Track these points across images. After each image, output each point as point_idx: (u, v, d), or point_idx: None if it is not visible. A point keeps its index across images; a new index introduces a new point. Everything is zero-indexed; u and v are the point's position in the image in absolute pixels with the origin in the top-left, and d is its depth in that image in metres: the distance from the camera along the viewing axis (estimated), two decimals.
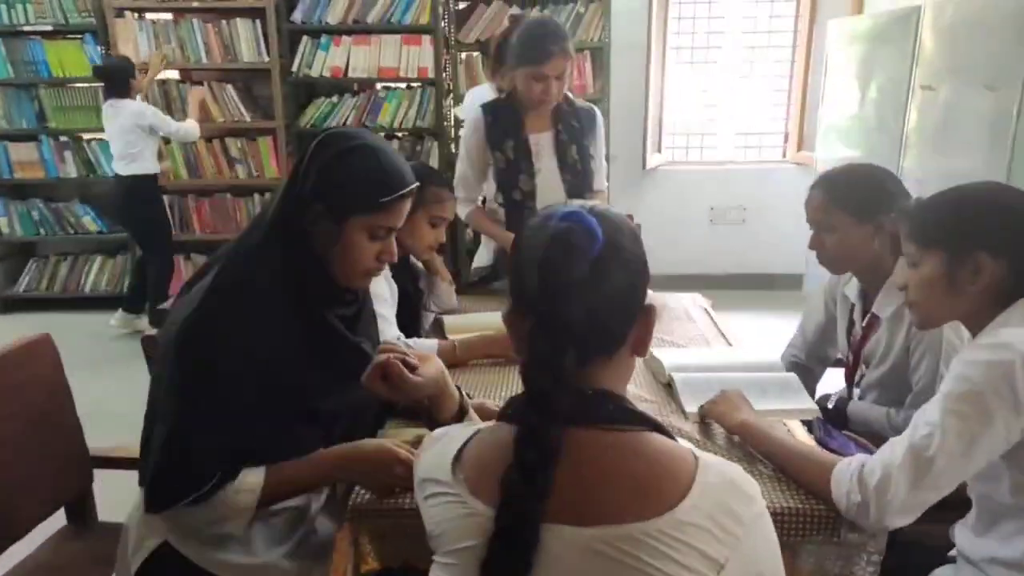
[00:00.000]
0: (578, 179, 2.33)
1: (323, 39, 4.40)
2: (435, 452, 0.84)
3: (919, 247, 1.23)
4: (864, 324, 1.74)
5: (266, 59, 4.43)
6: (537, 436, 0.72)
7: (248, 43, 4.44)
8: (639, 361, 1.05)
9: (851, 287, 1.79)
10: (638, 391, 1.57)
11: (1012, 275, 1.16)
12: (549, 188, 2.30)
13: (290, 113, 4.54)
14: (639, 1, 4.61)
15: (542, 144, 2.32)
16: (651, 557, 0.69)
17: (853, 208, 1.62)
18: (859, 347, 1.75)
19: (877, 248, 1.63)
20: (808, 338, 1.97)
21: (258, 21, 4.40)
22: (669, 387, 1.60)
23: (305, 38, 4.42)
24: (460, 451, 0.81)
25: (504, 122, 2.30)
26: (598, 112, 2.46)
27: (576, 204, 0.82)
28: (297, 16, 4.40)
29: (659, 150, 5.06)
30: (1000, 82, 2.83)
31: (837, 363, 1.95)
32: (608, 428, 0.76)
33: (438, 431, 0.91)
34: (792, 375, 1.67)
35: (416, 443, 1.19)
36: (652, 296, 0.84)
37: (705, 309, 2.24)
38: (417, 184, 1.29)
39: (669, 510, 0.71)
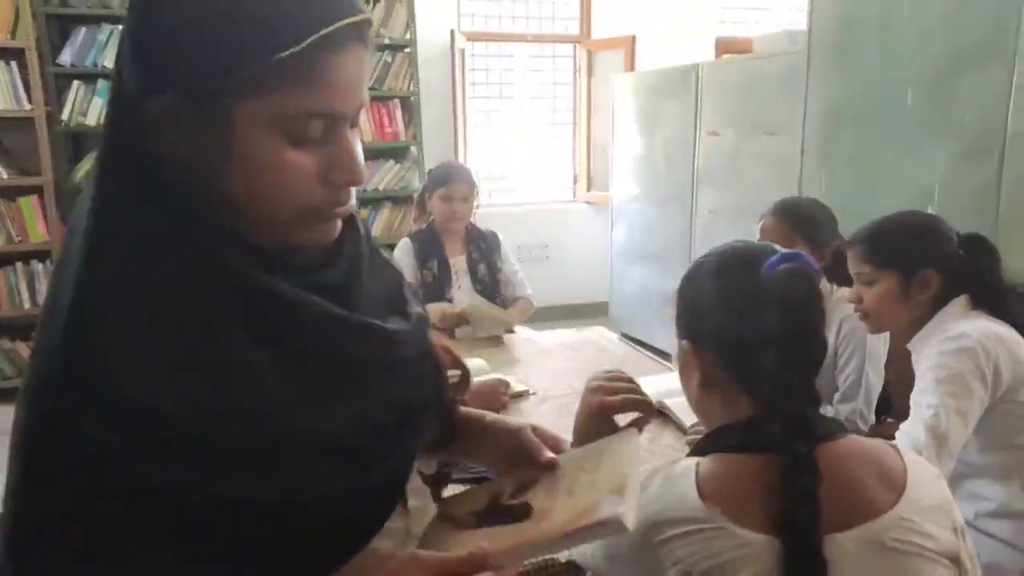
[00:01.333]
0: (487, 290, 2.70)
1: (100, 84, 3.94)
2: (657, 494, 0.83)
3: (874, 268, 1.47)
4: None
5: (27, 107, 3.85)
6: (807, 461, 0.77)
7: (3, 89, 3.83)
8: None
9: None
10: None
11: (946, 283, 1.44)
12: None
13: (60, 167, 3.98)
14: (442, 51, 4.76)
15: (459, 264, 2.73)
16: (912, 536, 0.78)
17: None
18: None
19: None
20: None
21: (14, 63, 3.82)
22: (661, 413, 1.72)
23: (77, 83, 3.93)
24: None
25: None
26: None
27: (777, 247, 0.88)
28: (66, 58, 3.89)
29: None
30: (779, 128, 3.39)
31: None
32: (834, 438, 0.84)
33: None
34: None
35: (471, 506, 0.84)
36: None
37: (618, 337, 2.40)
38: (364, 16, 0.66)
39: (903, 491, 0.80)
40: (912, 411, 1.37)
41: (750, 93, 3.61)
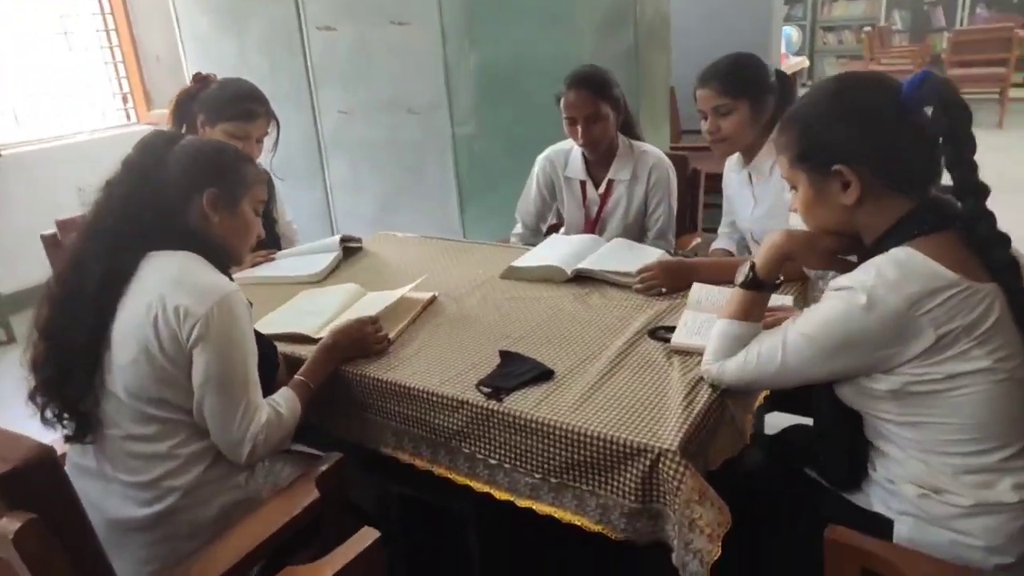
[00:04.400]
0: None
1: None
2: (898, 278, 1.09)
3: (732, 99, 1.94)
4: (602, 191, 2.34)
5: None
6: (989, 215, 1.13)
7: None
8: None
9: (573, 168, 2.35)
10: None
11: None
12: None
13: None
14: None
15: None
16: None
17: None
18: (600, 211, 2.34)
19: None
20: (529, 221, 2.51)
21: None
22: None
23: None
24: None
25: None
26: None
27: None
28: None
29: None
30: (410, 18, 3.50)
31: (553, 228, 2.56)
32: None
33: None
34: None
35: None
36: None
37: None
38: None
39: None
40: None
41: None
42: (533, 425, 1.33)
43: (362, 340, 1.62)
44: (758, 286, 1.31)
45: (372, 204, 3.91)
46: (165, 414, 1.36)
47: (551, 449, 1.32)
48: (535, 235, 2.59)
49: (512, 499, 1.40)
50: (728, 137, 1.97)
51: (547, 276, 1.97)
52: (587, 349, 1.56)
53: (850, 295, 1.12)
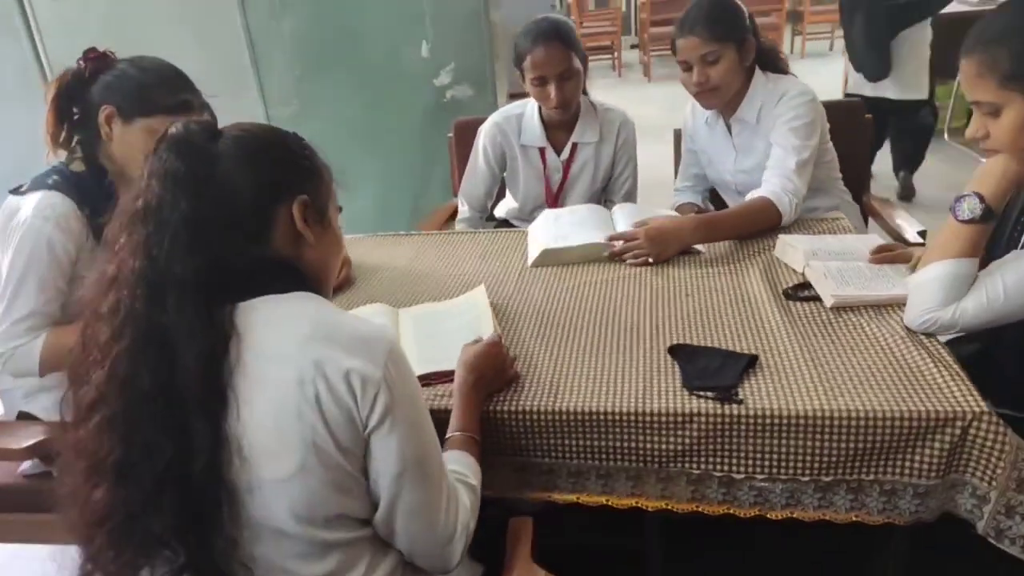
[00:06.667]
0: None
1: None
2: None
3: (720, 45, 1.82)
4: (565, 157, 2.12)
5: None
6: None
7: None
8: None
9: (529, 135, 2.13)
10: None
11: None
12: None
13: None
14: None
15: None
16: None
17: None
18: (564, 179, 2.14)
19: None
20: (477, 203, 2.27)
21: None
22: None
23: None
24: None
25: None
26: None
27: None
28: None
29: None
30: None
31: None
32: None
33: None
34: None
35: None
36: None
37: None
38: None
39: None
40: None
41: None
42: (797, 422, 1.13)
43: (502, 368, 1.26)
44: (989, 218, 1.24)
45: None
46: (346, 535, 0.92)
47: (825, 444, 1.13)
48: (485, 218, 2.29)
49: (759, 513, 1.19)
50: (718, 86, 1.87)
51: (587, 255, 1.72)
52: (732, 325, 1.38)
53: None
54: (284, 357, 0.87)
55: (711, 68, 1.84)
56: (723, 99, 1.92)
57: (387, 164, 3.26)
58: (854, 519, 1.16)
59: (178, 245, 0.87)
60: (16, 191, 1.51)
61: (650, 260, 1.67)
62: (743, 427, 1.15)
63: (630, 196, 2.21)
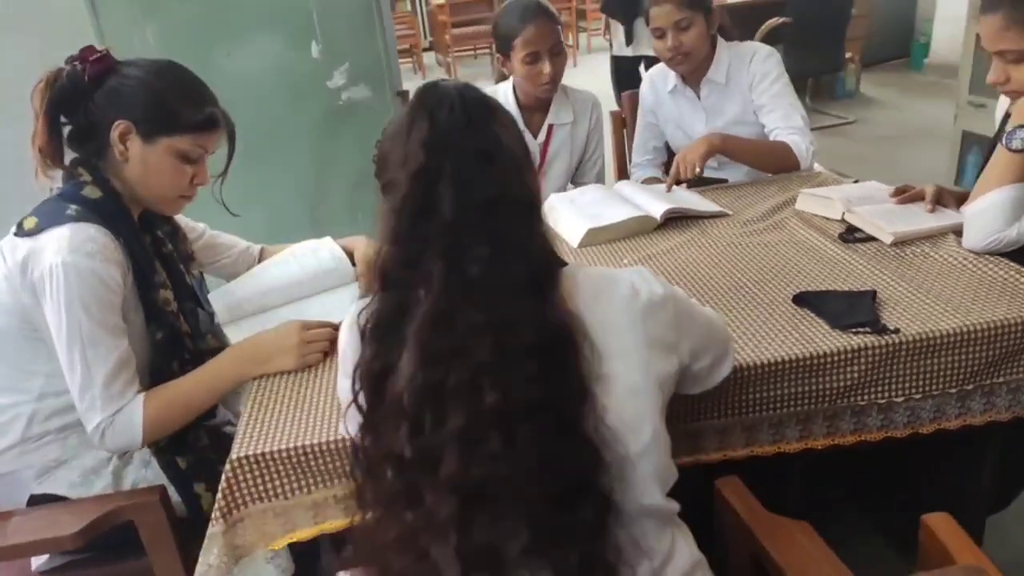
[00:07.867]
0: None
1: None
2: None
3: (691, 13, 1.96)
4: (542, 139, 2.14)
5: None
6: None
7: None
8: None
9: None
10: None
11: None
12: None
13: None
14: None
15: None
16: None
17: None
18: (542, 161, 2.14)
19: None
20: None
21: None
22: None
23: None
24: None
25: None
26: None
27: None
28: None
29: None
30: None
31: None
32: None
33: None
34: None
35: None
36: None
37: None
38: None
39: None
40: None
41: None
42: (943, 340, 1.24)
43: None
44: None
45: None
46: None
47: (966, 357, 1.25)
48: None
49: (913, 431, 1.29)
50: (690, 51, 1.98)
51: (635, 230, 1.74)
52: (814, 271, 1.48)
53: None
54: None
55: (683, 34, 1.94)
56: (693, 64, 2.03)
57: (282, 175, 3.00)
58: (989, 420, 1.30)
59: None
60: (22, 232, 1.21)
61: (697, 170, 1.84)
62: (904, 355, 1.24)
63: (599, 178, 2.25)
